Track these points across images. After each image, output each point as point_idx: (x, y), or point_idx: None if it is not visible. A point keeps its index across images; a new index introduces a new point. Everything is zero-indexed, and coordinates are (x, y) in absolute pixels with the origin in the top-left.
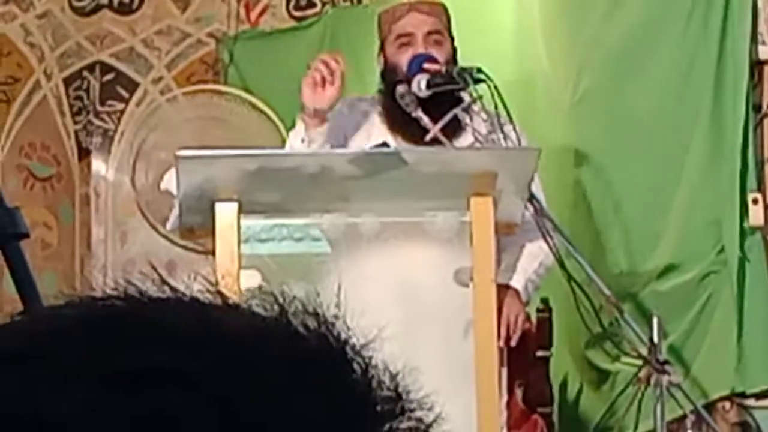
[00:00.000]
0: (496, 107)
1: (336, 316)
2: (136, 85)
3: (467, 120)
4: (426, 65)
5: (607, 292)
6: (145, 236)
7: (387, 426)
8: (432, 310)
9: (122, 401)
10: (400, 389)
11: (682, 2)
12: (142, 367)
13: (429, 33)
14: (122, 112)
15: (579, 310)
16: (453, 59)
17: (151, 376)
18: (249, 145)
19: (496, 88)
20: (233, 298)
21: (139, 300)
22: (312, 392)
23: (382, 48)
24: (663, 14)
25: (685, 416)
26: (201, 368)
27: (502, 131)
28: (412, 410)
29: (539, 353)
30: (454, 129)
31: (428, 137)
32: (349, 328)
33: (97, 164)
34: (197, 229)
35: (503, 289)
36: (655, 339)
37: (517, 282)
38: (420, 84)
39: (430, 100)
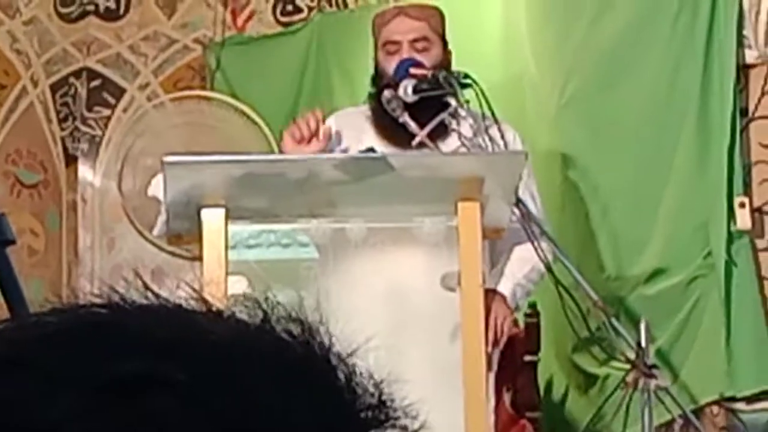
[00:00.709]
0: (483, 114)
1: (321, 323)
2: (123, 91)
3: (454, 125)
4: (412, 70)
5: (594, 296)
6: (132, 242)
7: None
8: (419, 314)
9: (111, 407)
10: (384, 397)
11: (668, 7)
12: (130, 374)
13: (415, 40)
14: (109, 118)
15: (566, 314)
16: (446, 63)
17: (139, 383)
18: (236, 150)
19: (482, 92)
20: (218, 304)
21: (122, 308)
22: (296, 399)
23: (375, 51)
24: (649, 19)
25: (673, 420)
26: (187, 375)
27: (489, 135)
28: (396, 418)
29: (527, 358)
30: (440, 134)
31: (415, 142)
32: (333, 335)
33: (84, 170)
34: (184, 235)
35: (490, 293)
36: (643, 343)
37: (504, 287)
38: (407, 89)
39: (417, 105)
